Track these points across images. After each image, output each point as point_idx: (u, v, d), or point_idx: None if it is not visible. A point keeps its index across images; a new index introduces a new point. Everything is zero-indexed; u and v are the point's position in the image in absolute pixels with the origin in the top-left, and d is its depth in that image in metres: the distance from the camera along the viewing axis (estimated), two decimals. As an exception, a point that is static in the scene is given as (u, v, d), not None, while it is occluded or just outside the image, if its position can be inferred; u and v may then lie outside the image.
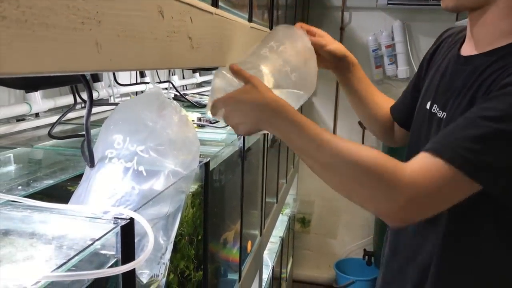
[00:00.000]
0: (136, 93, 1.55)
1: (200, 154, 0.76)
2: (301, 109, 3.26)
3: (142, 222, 0.49)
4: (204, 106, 1.51)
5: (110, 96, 1.43)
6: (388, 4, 2.74)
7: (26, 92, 1.07)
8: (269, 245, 2.20)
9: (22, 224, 0.49)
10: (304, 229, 3.01)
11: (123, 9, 0.43)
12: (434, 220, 0.82)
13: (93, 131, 0.69)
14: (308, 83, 0.92)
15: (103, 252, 0.49)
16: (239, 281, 1.18)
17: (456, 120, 0.75)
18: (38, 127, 1.11)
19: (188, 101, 1.56)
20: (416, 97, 1.00)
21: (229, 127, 0.82)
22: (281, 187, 2.09)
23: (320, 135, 0.73)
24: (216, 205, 1.00)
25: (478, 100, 0.75)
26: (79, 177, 0.70)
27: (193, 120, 1.24)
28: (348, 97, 1.12)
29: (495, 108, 0.69)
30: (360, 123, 2.75)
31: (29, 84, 0.48)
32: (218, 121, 1.18)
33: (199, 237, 0.88)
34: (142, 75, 1.66)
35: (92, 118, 1.20)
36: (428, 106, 0.91)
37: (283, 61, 0.89)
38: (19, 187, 0.61)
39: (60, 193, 0.69)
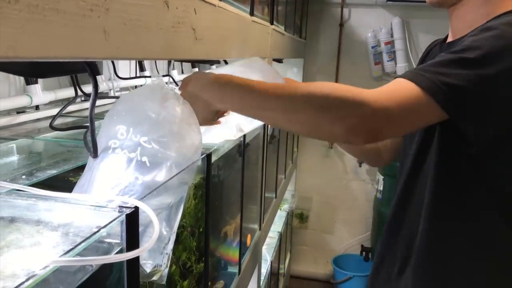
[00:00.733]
0: (136, 87, 1.55)
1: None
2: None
3: (147, 210, 0.50)
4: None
5: (110, 90, 1.43)
6: (388, 1, 2.74)
7: (27, 84, 1.07)
8: (267, 240, 2.20)
9: (27, 211, 0.49)
10: (302, 225, 3.02)
11: (130, -3, 0.43)
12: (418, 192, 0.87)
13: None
14: None
15: (108, 240, 0.49)
16: (238, 274, 1.19)
17: None
18: (38, 120, 1.11)
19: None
20: None
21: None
22: (280, 182, 2.09)
23: (271, 85, 0.73)
24: (217, 199, 1.00)
25: None
26: (81, 168, 0.70)
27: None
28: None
29: (456, 49, 0.75)
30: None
31: (36, 71, 0.48)
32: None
33: (201, 229, 0.88)
34: (142, 69, 1.66)
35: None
36: None
37: None
38: (23, 177, 0.62)
39: (62, 184, 0.69)
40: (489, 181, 0.83)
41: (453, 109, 0.72)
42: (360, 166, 2.95)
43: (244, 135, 1.16)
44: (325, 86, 0.72)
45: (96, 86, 0.53)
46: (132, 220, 0.50)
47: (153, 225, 0.50)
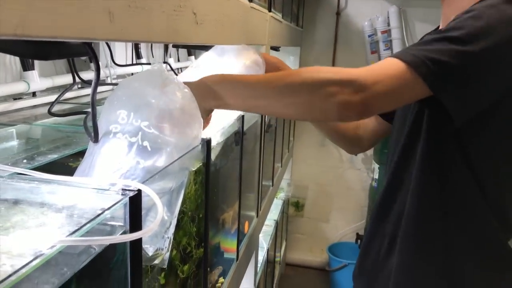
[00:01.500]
0: (132, 74, 1.55)
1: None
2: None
3: (150, 193, 0.50)
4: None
5: (107, 77, 1.42)
6: (385, -11, 2.73)
7: (24, 70, 1.06)
8: (264, 228, 2.22)
9: (30, 194, 0.49)
10: (298, 213, 3.04)
11: (133, -22, 0.43)
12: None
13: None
14: None
15: (111, 223, 0.50)
16: (236, 260, 1.20)
17: None
18: (35, 106, 1.10)
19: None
20: None
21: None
22: (277, 171, 2.10)
23: (263, 75, 0.77)
24: (216, 186, 1.01)
25: None
26: (81, 154, 0.70)
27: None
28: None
29: (444, 28, 0.78)
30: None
31: (39, 53, 0.48)
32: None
33: (200, 215, 0.89)
34: (139, 56, 1.65)
35: (89, 99, 1.20)
36: None
37: None
38: (24, 161, 0.62)
39: (62, 170, 0.69)
40: (473, 161, 0.85)
41: (435, 82, 0.74)
42: (356, 155, 2.97)
43: (242, 124, 1.17)
44: (315, 69, 0.75)
45: (98, 69, 0.53)
46: (135, 203, 0.50)
47: (156, 207, 0.51)
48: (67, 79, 1.20)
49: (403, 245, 0.92)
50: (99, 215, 0.43)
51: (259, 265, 1.78)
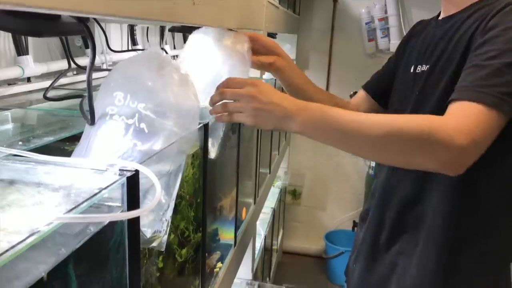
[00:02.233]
0: (129, 61, 1.53)
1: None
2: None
3: (148, 173, 0.50)
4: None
5: (103, 63, 1.41)
6: (382, -24, 2.71)
7: (18, 55, 1.05)
8: (261, 216, 2.22)
9: (27, 175, 0.49)
10: (295, 201, 3.05)
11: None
12: None
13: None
14: None
15: (109, 204, 0.49)
16: (234, 245, 1.20)
17: (443, 72, 0.86)
18: (30, 92, 1.09)
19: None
20: (392, 77, 1.09)
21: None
22: (274, 158, 2.10)
23: (362, 117, 0.75)
24: (214, 173, 1.01)
25: (460, 52, 0.85)
26: (77, 138, 0.69)
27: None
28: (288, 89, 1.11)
29: (492, 49, 0.78)
30: (351, 97, 2.75)
31: (33, 29, 0.47)
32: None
33: (198, 200, 0.89)
34: (134, 42, 1.63)
35: (84, 85, 1.19)
36: (412, 70, 1.00)
37: None
38: (20, 143, 0.61)
39: (58, 154, 0.69)
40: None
41: None
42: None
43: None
44: (414, 123, 0.74)
45: (94, 48, 0.52)
46: (132, 183, 0.50)
47: (154, 189, 0.50)
48: (62, 64, 1.19)
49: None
50: (96, 194, 0.43)
51: (256, 252, 1.79)
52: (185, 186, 0.79)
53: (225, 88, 0.78)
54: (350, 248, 1.16)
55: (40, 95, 0.95)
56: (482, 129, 0.73)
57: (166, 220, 0.67)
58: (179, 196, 0.81)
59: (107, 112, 0.63)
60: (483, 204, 0.89)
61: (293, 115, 0.74)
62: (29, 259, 0.38)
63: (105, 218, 0.43)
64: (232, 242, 1.20)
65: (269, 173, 1.95)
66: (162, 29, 1.79)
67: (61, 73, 0.98)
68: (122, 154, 0.61)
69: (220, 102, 0.78)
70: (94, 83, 1.27)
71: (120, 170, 0.50)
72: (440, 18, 0.99)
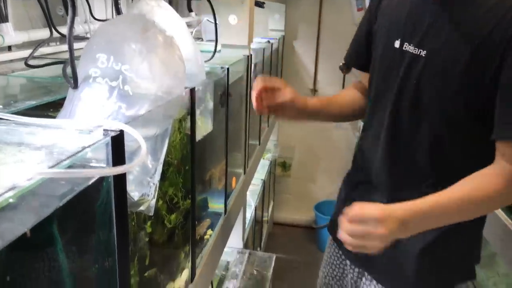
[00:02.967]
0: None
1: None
2: (282, 52, 3.21)
3: (132, 133, 0.49)
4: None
5: (87, 33, 1.37)
6: None
7: (-2, 22, 1.01)
8: (251, 187, 2.24)
9: (7, 135, 0.48)
10: (285, 173, 3.06)
11: None
12: None
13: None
14: None
15: (94, 164, 0.48)
16: (224, 214, 1.21)
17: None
18: (12, 61, 1.06)
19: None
20: (370, 40, 1.06)
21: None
22: (263, 130, 2.09)
23: (447, 204, 0.82)
24: (204, 143, 1.00)
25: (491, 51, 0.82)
26: (60, 104, 0.67)
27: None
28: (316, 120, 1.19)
29: None
30: (341, 68, 2.74)
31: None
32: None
33: (187, 167, 0.88)
34: (118, 12, 1.59)
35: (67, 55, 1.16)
36: (397, 45, 0.95)
37: None
38: (0, 107, 0.59)
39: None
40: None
41: None
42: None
43: (228, 74, 1.15)
44: (489, 195, 0.83)
45: (74, 5, 0.50)
46: (117, 143, 0.49)
47: (140, 148, 0.50)
48: (44, 33, 1.15)
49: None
50: (79, 151, 0.42)
51: (247, 222, 1.80)
52: (173, 152, 0.79)
53: (353, 221, 0.79)
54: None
55: (22, 64, 0.92)
56: None
57: (153, 184, 0.66)
58: (167, 163, 0.81)
59: (90, 75, 0.62)
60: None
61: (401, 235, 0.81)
62: (13, 218, 0.37)
63: (88, 173, 0.42)
64: (222, 211, 1.20)
65: (259, 144, 1.95)
66: (147, -2, 1.74)
67: (44, 41, 0.96)
68: (107, 117, 0.60)
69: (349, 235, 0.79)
70: (78, 53, 1.25)
71: (105, 130, 0.49)
72: None
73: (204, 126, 1.02)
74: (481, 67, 0.82)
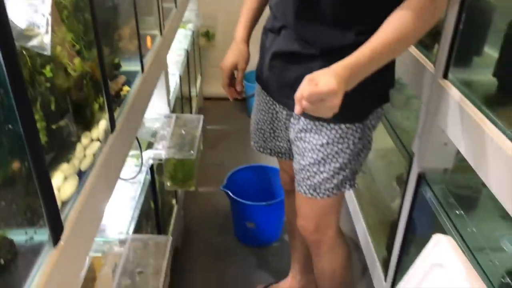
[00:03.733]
0: None
1: None
2: None
3: None
4: None
5: None
6: None
7: None
8: (175, 58, 2.16)
9: None
10: (209, 43, 2.98)
11: None
12: None
13: None
14: None
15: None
16: (142, 72, 1.16)
17: None
18: None
19: None
20: None
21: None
22: (179, -7, 1.95)
23: (377, 46, 0.86)
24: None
25: None
26: None
27: None
28: None
29: None
30: None
31: None
32: None
33: (86, 15, 0.81)
34: None
35: None
36: None
37: None
38: None
39: None
40: None
41: None
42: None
43: None
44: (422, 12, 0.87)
45: None
46: None
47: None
48: None
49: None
50: None
51: (172, 90, 1.77)
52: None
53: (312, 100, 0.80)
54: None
55: None
56: None
57: (44, 15, 0.59)
58: (58, 3, 0.73)
59: None
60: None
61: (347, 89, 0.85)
62: None
63: None
64: (139, 69, 1.15)
65: (175, 7, 1.83)
66: None
67: None
68: None
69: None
70: None
71: None
72: None
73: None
74: None
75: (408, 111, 1.68)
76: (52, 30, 0.63)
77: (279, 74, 1.11)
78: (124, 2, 1.12)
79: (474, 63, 1.05)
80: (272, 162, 1.68)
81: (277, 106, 1.20)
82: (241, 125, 2.86)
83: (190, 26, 2.59)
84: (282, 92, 1.14)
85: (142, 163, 1.24)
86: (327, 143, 1.08)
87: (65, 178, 0.70)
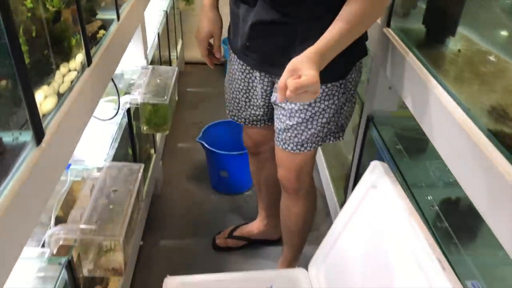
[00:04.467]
0: None
1: None
2: None
3: None
4: None
5: None
6: None
7: None
8: (155, 18, 2.25)
9: None
10: (189, 7, 3.05)
11: None
12: None
13: None
14: None
15: None
16: (118, 20, 1.26)
17: None
18: None
19: None
20: None
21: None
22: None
23: (340, 31, 0.93)
24: None
25: None
26: None
27: None
28: None
29: None
30: None
31: None
32: None
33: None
34: None
35: None
36: None
37: None
38: None
39: None
40: None
41: None
42: None
43: None
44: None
45: None
46: None
47: None
48: None
49: None
50: None
51: (149, 45, 1.86)
52: None
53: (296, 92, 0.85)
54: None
55: None
56: None
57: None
58: None
59: None
60: None
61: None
62: None
63: None
64: (115, 17, 1.25)
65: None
66: None
67: None
68: None
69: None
70: None
71: None
72: None
73: None
74: None
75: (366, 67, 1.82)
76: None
77: (262, 44, 1.14)
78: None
79: (410, 13, 1.18)
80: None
81: (255, 73, 1.22)
82: (220, 88, 2.95)
83: (170, -11, 2.67)
84: (264, 60, 1.17)
85: (119, 105, 1.36)
86: (315, 102, 1.13)
87: (45, 97, 0.82)
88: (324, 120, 1.17)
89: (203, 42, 1.28)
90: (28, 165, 0.70)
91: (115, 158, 1.28)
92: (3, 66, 0.68)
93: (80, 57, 0.95)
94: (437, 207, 1.09)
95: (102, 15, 1.19)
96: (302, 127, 1.18)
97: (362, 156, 1.44)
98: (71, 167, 1.14)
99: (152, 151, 1.96)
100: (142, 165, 1.13)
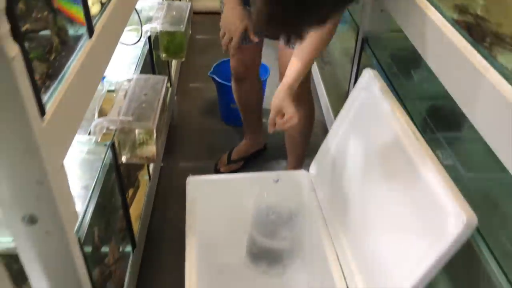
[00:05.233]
0: None
1: None
2: None
3: None
4: None
5: None
6: None
7: None
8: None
9: None
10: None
11: None
12: None
13: None
14: None
15: None
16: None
17: None
18: None
19: None
20: None
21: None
22: None
23: (302, 64, 1.23)
24: None
25: None
26: None
27: None
28: None
29: None
30: None
31: None
32: None
33: None
34: None
35: None
36: None
37: None
38: None
39: None
40: None
41: None
42: None
43: None
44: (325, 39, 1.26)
45: None
46: None
47: None
48: None
49: None
50: None
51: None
52: None
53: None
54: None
55: None
56: None
57: None
58: None
59: None
60: None
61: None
62: None
63: None
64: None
65: None
66: None
67: None
68: None
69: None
70: None
71: None
72: None
73: None
74: None
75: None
76: None
77: None
78: None
79: None
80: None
81: None
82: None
83: None
84: None
85: (142, 32, 1.54)
86: None
87: (93, 4, 0.99)
88: None
89: (240, 35, 1.49)
90: (84, 50, 0.89)
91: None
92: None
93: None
94: (424, 112, 1.26)
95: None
96: None
97: (357, 79, 1.61)
98: (105, 79, 1.33)
99: (168, 84, 2.15)
100: (166, 77, 1.32)
